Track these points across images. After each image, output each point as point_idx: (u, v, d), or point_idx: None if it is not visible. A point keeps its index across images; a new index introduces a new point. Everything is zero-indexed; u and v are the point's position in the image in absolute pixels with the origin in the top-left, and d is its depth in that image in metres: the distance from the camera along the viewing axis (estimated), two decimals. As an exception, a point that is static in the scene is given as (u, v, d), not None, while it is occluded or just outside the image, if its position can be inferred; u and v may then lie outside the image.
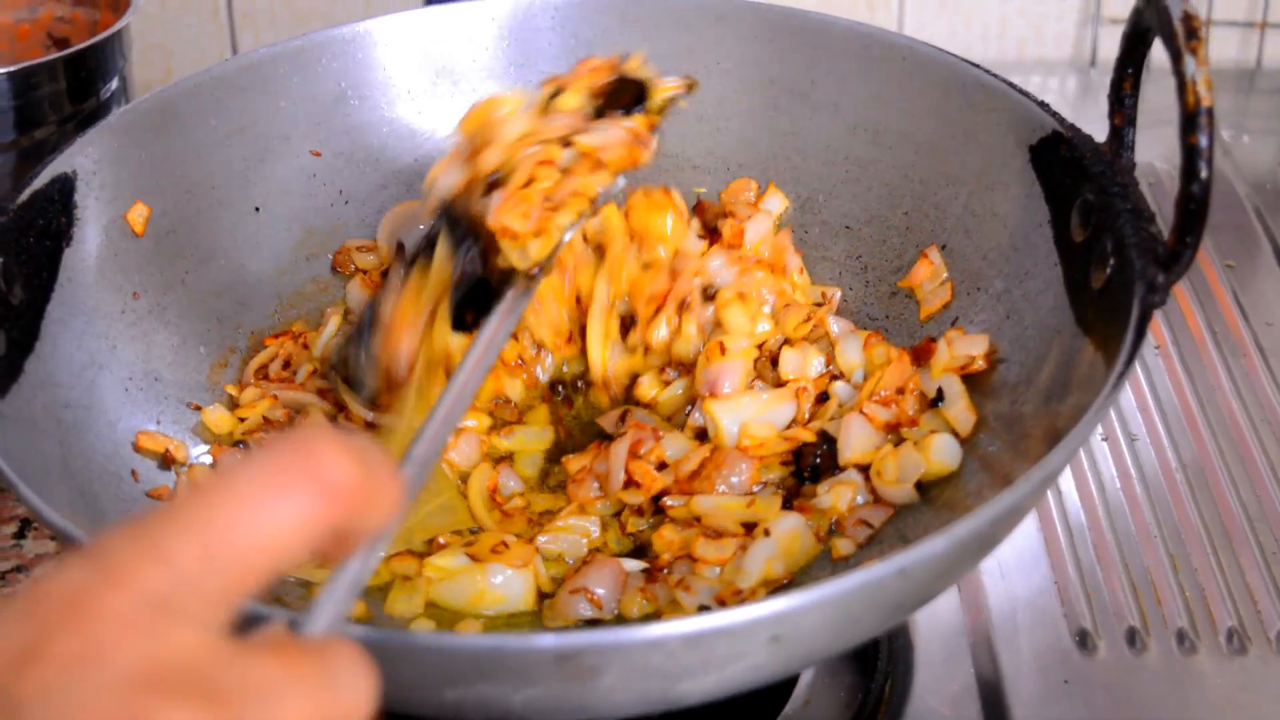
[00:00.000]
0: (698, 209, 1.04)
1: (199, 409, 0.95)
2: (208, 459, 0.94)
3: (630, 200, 0.97)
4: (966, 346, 0.92)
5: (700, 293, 0.97)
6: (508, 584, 0.85)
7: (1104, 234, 0.85)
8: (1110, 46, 1.47)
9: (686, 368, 0.96)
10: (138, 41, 1.23)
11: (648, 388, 0.96)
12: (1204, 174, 0.77)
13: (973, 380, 0.91)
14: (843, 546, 0.86)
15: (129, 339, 0.93)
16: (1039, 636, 0.93)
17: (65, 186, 0.91)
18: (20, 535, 1.10)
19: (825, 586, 0.67)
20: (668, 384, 0.96)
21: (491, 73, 1.06)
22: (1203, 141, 0.77)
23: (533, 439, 0.96)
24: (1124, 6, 1.44)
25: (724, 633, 0.67)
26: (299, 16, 1.47)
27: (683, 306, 0.96)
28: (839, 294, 1.00)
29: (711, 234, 1.01)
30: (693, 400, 0.94)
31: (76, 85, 1.15)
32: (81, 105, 1.16)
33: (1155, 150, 1.26)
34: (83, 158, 0.92)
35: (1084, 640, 0.93)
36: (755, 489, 0.90)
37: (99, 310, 0.92)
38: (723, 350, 0.94)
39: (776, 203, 1.03)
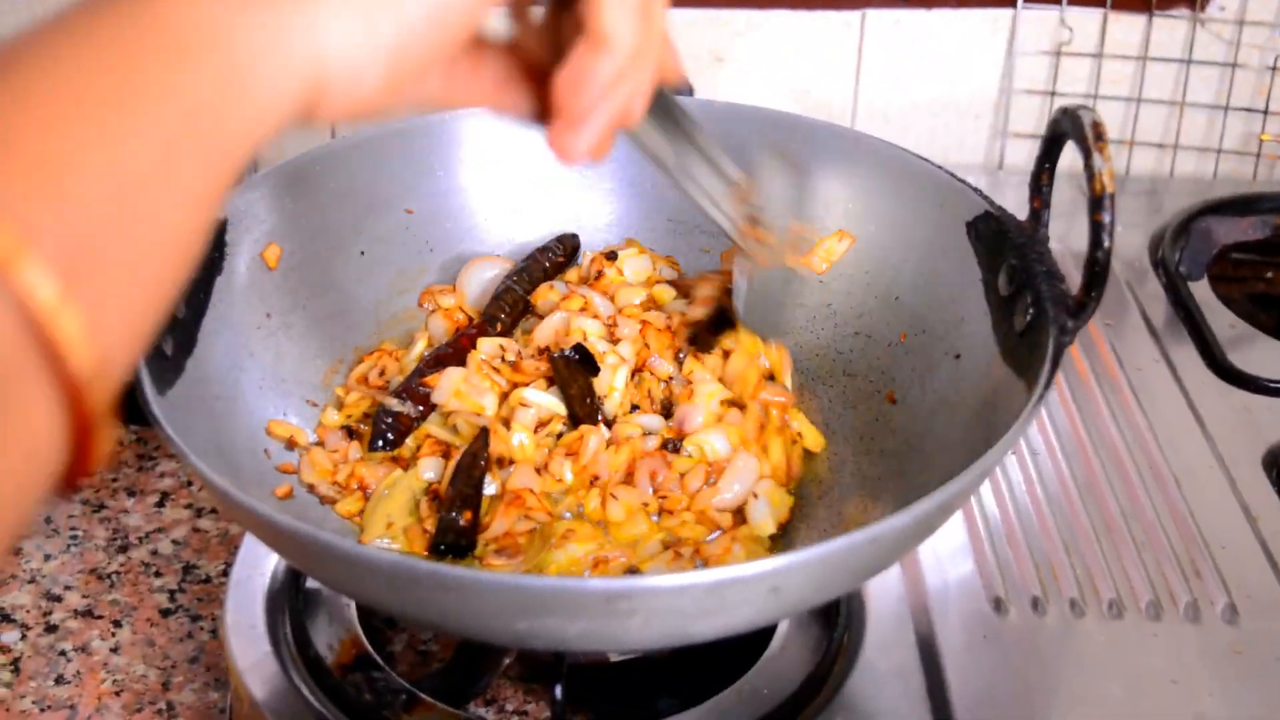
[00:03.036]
0: (676, 284, 1.04)
1: (315, 405, 0.96)
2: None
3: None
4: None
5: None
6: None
7: (1025, 290, 0.86)
8: (1013, 155, 1.51)
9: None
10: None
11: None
12: (1106, 244, 0.79)
13: (921, 403, 0.92)
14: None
15: (263, 349, 0.94)
16: (964, 603, 0.94)
17: (219, 229, 0.92)
18: (160, 504, 1.10)
19: (815, 549, 0.68)
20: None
21: (544, 152, 1.04)
22: (1106, 219, 0.78)
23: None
24: (1026, 125, 1.48)
25: (737, 582, 0.68)
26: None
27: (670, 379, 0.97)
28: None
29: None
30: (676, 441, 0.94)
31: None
32: (221, 171, 1.16)
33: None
34: (232, 208, 0.93)
35: (999, 606, 0.94)
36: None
37: (241, 325, 0.93)
38: (690, 395, 0.95)
39: None
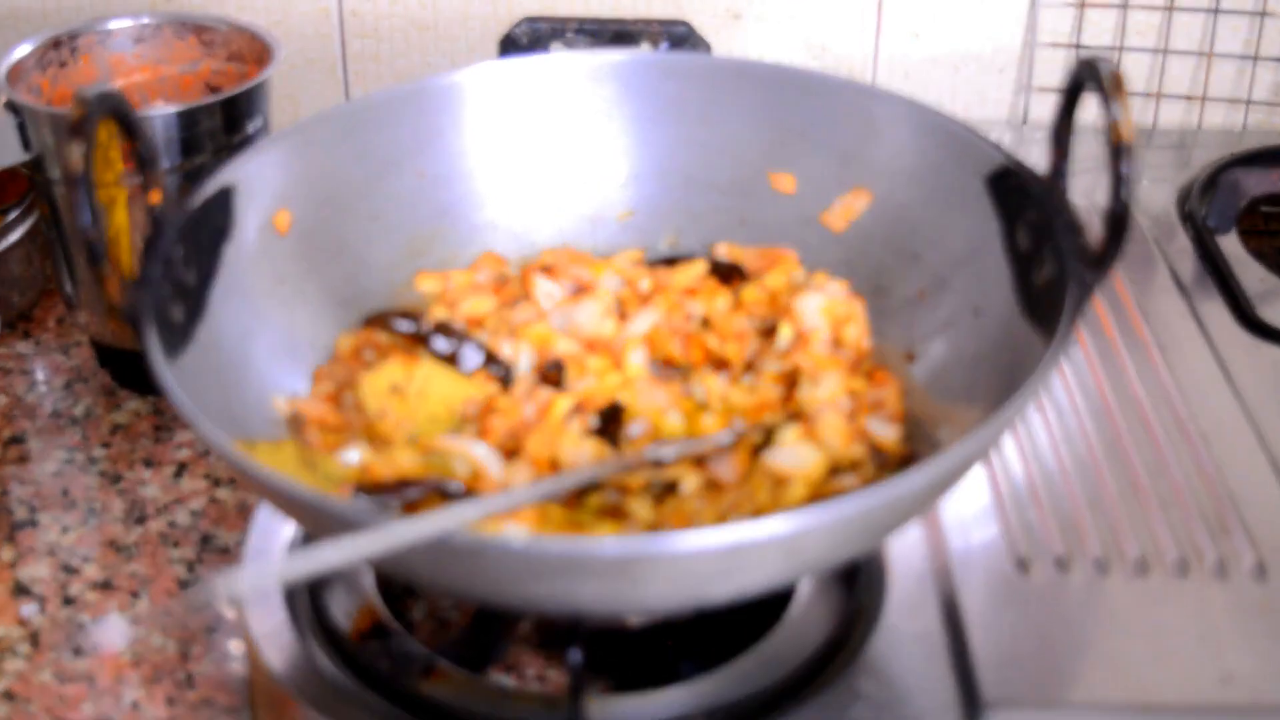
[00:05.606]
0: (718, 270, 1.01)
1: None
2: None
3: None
4: None
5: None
6: None
7: (1045, 243, 0.85)
8: (1038, 109, 1.49)
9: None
10: (274, 92, 1.23)
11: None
12: (1126, 195, 0.78)
13: (940, 357, 0.92)
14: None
15: (275, 314, 0.94)
16: (987, 563, 0.93)
17: (227, 195, 0.91)
18: (178, 475, 1.11)
19: (828, 507, 0.68)
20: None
21: (557, 111, 1.06)
22: (1125, 169, 0.78)
23: None
24: (1051, 78, 1.47)
25: (751, 544, 0.68)
26: (398, 75, 1.48)
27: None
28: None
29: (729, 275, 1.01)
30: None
31: (229, 122, 1.15)
32: (232, 138, 1.16)
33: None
34: (242, 173, 0.93)
35: (1022, 565, 0.93)
36: None
37: (251, 292, 0.93)
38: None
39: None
